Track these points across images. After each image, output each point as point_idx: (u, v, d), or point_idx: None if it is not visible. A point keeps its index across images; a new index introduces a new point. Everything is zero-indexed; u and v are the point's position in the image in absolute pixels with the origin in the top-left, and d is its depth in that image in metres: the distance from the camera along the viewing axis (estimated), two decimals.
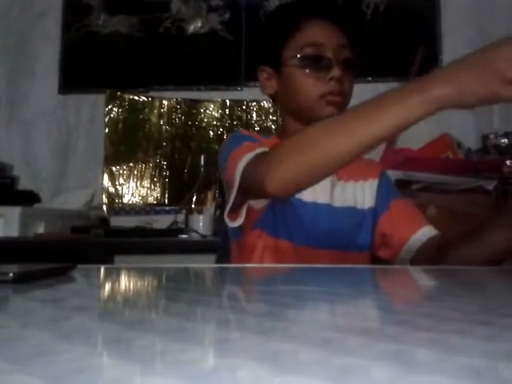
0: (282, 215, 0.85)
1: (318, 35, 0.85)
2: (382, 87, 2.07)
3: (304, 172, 0.61)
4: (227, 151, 0.81)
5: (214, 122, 2.08)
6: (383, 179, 0.96)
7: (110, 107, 2.03)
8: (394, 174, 1.31)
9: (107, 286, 0.51)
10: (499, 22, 2.07)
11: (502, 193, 1.64)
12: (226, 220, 0.78)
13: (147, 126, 2.04)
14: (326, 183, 0.90)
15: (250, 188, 0.71)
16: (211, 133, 2.07)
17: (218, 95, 2.10)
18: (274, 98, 0.95)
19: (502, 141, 1.92)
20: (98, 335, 0.26)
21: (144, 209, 1.75)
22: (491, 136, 1.94)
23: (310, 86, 0.85)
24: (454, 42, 2.08)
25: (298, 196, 0.87)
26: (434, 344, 0.24)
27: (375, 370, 0.19)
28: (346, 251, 0.87)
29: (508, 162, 1.79)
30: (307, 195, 0.88)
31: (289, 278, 0.55)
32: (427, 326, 0.28)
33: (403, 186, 1.42)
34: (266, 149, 0.72)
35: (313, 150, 0.60)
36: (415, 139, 1.63)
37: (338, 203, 0.90)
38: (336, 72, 0.83)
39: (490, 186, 1.53)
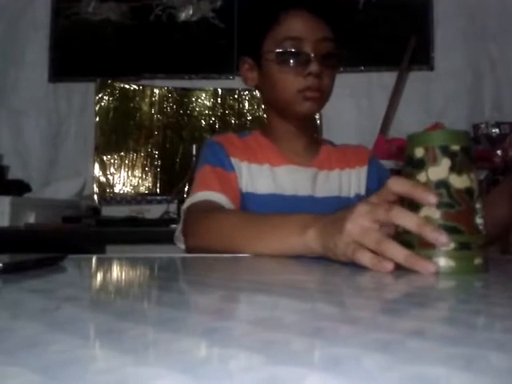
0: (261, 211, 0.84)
1: (298, 29, 0.83)
2: (374, 77, 2.07)
3: (211, 250, 0.69)
4: (199, 162, 0.90)
5: (206, 111, 2.06)
6: (373, 164, 0.96)
7: (100, 95, 2.01)
8: (386, 164, 1.31)
9: (98, 276, 0.51)
10: (490, 13, 2.07)
11: (493, 182, 1.65)
12: (178, 239, 0.84)
13: (138, 114, 2.03)
14: (307, 175, 0.90)
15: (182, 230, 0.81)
16: (203, 122, 2.06)
17: (209, 84, 2.09)
18: (256, 89, 0.95)
19: (493, 131, 1.93)
20: (89, 326, 0.26)
21: (135, 198, 1.74)
22: (482, 126, 1.94)
23: (287, 81, 0.84)
24: (445, 32, 2.08)
25: (278, 191, 0.87)
26: (424, 333, 0.24)
27: (366, 360, 0.19)
28: None
29: (498, 152, 1.80)
30: (288, 189, 0.88)
31: (279, 268, 0.55)
32: (417, 316, 0.28)
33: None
34: (209, 195, 0.81)
35: (224, 244, 0.67)
36: (408, 129, 1.63)
37: (320, 193, 0.90)
38: (314, 67, 0.82)
39: (481, 175, 1.54)
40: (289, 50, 0.83)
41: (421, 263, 0.44)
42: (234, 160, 0.88)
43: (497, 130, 1.94)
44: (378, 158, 1.04)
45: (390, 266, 0.44)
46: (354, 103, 2.06)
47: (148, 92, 2.04)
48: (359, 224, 0.48)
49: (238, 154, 0.89)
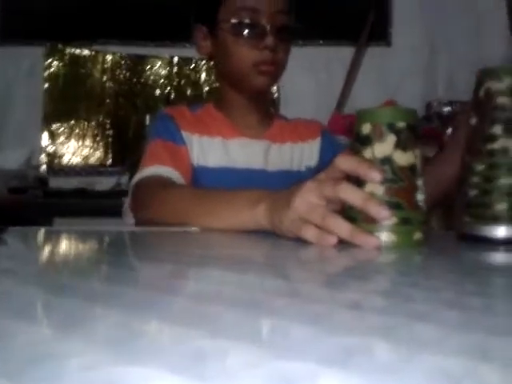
0: (212, 186, 0.84)
1: (253, 0, 0.82)
2: (333, 51, 2.07)
3: (163, 224, 0.68)
4: (149, 135, 0.89)
5: (162, 80, 2.01)
6: (325, 138, 0.97)
7: (49, 61, 1.92)
8: (341, 140, 1.32)
9: (40, 250, 0.49)
10: None
11: None
12: (127, 213, 0.83)
13: (89, 81, 1.95)
14: (259, 148, 0.90)
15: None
16: (158, 91, 2.01)
17: (164, 51, 2.02)
18: (209, 59, 0.94)
19: (445, 109, 1.98)
20: (21, 299, 0.25)
21: (85, 169, 1.69)
22: (435, 104, 1.99)
23: (242, 53, 0.83)
24: (403, 7, 2.09)
25: (230, 164, 0.87)
26: (358, 305, 0.24)
27: (295, 331, 0.19)
28: None
29: (449, 131, 1.85)
30: (241, 162, 0.87)
31: (227, 242, 0.55)
32: (355, 289, 0.29)
33: None
34: (159, 170, 0.79)
35: (177, 219, 0.66)
36: (363, 105, 1.64)
37: (272, 167, 0.90)
38: (270, 41, 0.81)
39: (430, 153, 1.59)
40: (244, 21, 0.82)
41: (364, 237, 0.45)
42: (184, 133, 0.87)
43: (449, 109, 1.98)
44: (333, 132, 1.05)
45: (333, 240, 0.45)
46: (313, 77, 2.06)
47: (100, 58, 1.97)
48: (306, 200, 0.48)
49: (189, 127, 0.88)
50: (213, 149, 0.88)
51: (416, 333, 0.19)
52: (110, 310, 0.22)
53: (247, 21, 0.82)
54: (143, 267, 0.38)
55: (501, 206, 0.47)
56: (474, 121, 0.51)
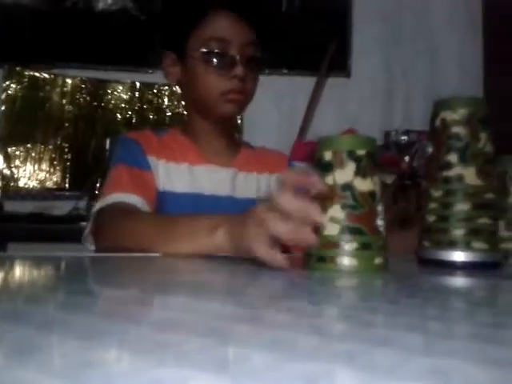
0: (179, 211, 0.83)
1: (224, 30, 0.83)
2: (296, 81, 2.11)
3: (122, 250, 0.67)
4: (112, 160, 0.87)
5: (123, 105, 1.99)
6: None
7: (7, 83, 1.88)
8: (302, 167, 1.34)
9: None
10: (406, 17, 2.19)
11: (400, 187, 1.75)
12: (87, 240, 0.81)
13: (48, 105, 1.91)
14: (226, 175, 0.90)
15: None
16: (119, 115, 1.99)
17: (126, 76, 2.01)
18: (178, 85, 0.94)
19: (402, 138, 2.04)
20: None
21: (42, 193, 1.64)
22: (392, 133, 2.06)
23: (211, 82, 0.84)
24: (362, 39, 2.16)
25: (197, 190, 0.86)
26: (318, 331, 0.24)
27: (256, 359, 0.19)
28: None
29: (406, 159, 1.91)
30: (207, 189, 0.87)
31: (191, 268, 0.54)
32: (314, 313, 0.29)
33: None
34: (122, 197, 0.77)
35: (132, 245, 0.66)
36: (323, 133, 1.67)
37: (239, 194, 0.90)
38: (239, 71, 0.82)
39: (389, 180, 1.63)
40: (215, 50, 0.83)
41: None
42: (150, 158, 0.86)
43: (405, 138, 2.05)
44: (294, 159, 1.07)
45: (283, 262, 0.47)
46: (276, 105, 2.09)
47: (60, 81, 1.94)
48: (254, 228, 0.49)
49: (155, 151, 0.87)
50: (179, 174, 0.87)
51: (377, 358, 0.19)
52: (65, 338, 0.21)
53: (217, 50, 0.83)
54: (101, 293, 0.36)
55: (458, 232, 0.49)
56: (430, 149, 0.52)
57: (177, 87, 2.00)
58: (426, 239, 0.51)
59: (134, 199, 0.78)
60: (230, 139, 0.94)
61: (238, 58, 0.83)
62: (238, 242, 0.52)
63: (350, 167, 0.46)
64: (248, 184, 0.92)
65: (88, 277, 0.49)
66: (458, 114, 0.50)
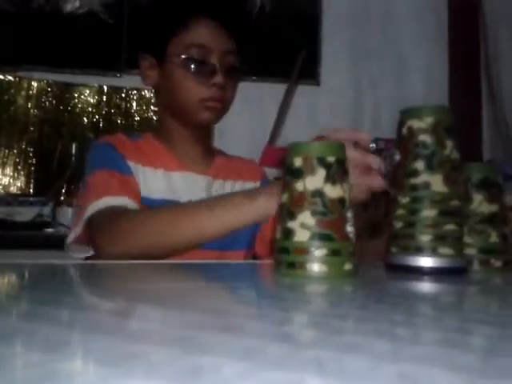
0: None
1: (205, 37, 0.83)
2: (266, 87, 2.12)
3: (141, 253, 0.64)
4: (88, 166, 0.82)
5: (90, 109, 1.96)
6: (264, 182, 0.98)
7: None
8: (272, 172, 1.34)
9: None
10: (374, 24, 2.23)
11: None
12: (70, 247, 0.79)
13: (13, 108, 1.86)
14: (202, 182, 0.89)
15: (92, 239, 0.74)
16: (85, 119, 1.95)
17: (93, 80, 1.98)
18: (154, 89, 0.93)
19: (371, 145, 2.08)
20: None
21: (5, 199, 1.60)
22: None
23: (190, 88, 0.83)
24: (331, 47, 2.20)
25: (173, 197, 0.85)
26: (288, 338, 0.24)
27: (226, 368, 0.18)
28: (225, 251, 0.86)
29: None
30: (183, 195, 0.86)
31: (160, 276, 0.53)
32: (283, 320, 0.29)
33: None
34: (112, 200, 0.74)
35: (155, 237, 0.66)
36: (293, 140, 1.69)
37: None
38: (219, 79, 0.83)
39: None
40: (195, 57, 0.83)
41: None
42: (130, 163, 0.84)
43: (374, 145, 2.08)
44: (264, 165, 1.07)
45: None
46: (247, 111, 2.10)
47: (25, 84, 1.89)
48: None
49: (132, 156, 0.85)
50: (156, 180, 0.85)
51: (347, 365, 0.19)
52: (30, 349, 0.21)
53: (198, 57, 0.83)
54: (68, 303, 0.35)
55: (424, 238, 0.49)
56: (398, 157, 0.53)
57: (145, 91, 1.98)
58: (394, 245, 0.52)
59: (124, 201, 0.75)
60: (205, 147, 0.94)
61: (218, 66, 0.83)
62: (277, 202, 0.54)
63: (321, 173, 0.47)
64: (223, 192, 0.91)
65: (52, 286, 0.47)
66: (425, 122, 0.51)
